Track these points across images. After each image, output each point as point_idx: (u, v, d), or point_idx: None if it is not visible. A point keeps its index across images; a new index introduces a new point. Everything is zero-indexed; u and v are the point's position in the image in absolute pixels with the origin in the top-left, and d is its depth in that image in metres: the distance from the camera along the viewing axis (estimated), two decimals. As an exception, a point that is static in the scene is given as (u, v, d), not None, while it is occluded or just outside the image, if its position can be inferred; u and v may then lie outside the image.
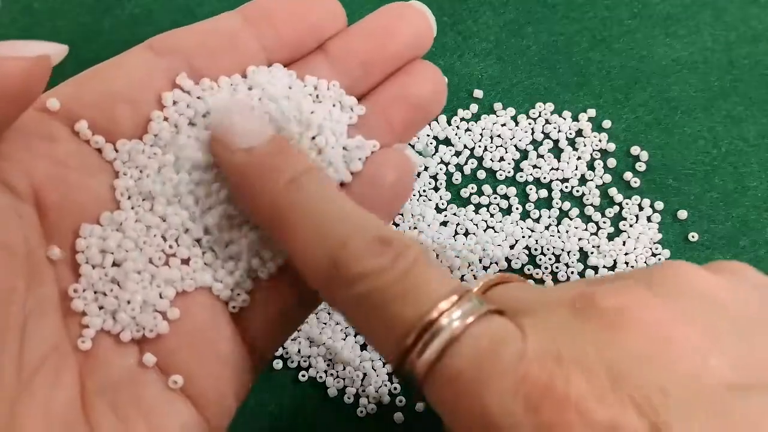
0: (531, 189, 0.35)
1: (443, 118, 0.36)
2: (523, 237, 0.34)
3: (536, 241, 0.34)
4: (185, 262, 0.23)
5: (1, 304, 0.20)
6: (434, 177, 0.35)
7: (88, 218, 0.23)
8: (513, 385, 0.18)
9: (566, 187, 0.35)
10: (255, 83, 0.24)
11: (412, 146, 0.35)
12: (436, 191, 0.35)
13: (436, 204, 0.34)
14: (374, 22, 0.25)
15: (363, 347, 0.32)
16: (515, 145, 0.35)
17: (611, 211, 0.34)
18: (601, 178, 0.35)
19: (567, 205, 0.35)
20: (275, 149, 0.22)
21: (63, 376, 0.21)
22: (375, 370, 0.32)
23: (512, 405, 0.18)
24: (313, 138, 0.24)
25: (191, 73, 0.24)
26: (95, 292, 0.22)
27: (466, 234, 0.34)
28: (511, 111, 0.36)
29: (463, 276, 0.33)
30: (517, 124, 0.36)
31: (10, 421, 0.19)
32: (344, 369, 0.32)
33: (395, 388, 0.32)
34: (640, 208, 0.35)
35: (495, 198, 0.35)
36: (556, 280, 0.33)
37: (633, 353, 0.18)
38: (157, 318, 0.22)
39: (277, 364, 0.32)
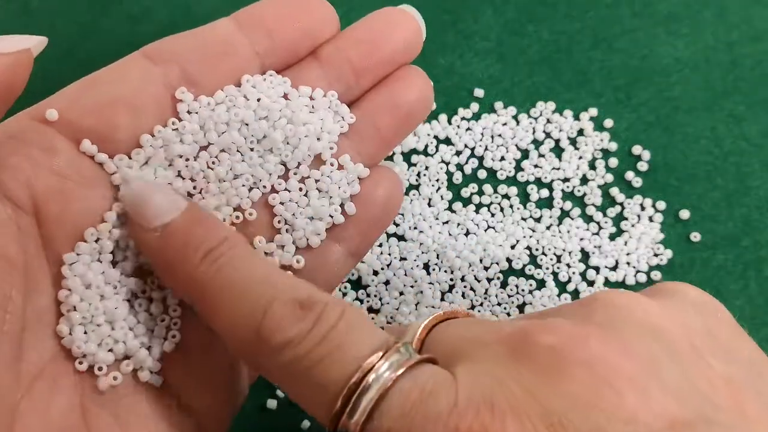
0: (532, 189, 0.34)
1: (444, 117, 0.35)
2: (524, 237, 0.34)
3: (537, 241, 0.34)
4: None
5: None
6: (435, 177, 0.35)
7: (85, 229, 0.23)
8: None
9: (567, 186, 0.35)
10: (249, 93, 0.24)
11: (414, 150, 0.35)
12: (437, 191, 0.34)
13: (437, 204, 0.34)
14: (366, 28, 0.25)
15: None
16: (516, 145, 0.35)
17: (613, 211, 0.34)
18: (602, 177, 0.35)
19: (568, 204, 0.34)
20: (189, 222, 0.22)
21: (62, 383, 0.21)
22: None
23: None
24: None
25: (186, 80, 0.24)
26: (83, 318, 0.22)
27: (467, 234, 0.34)
28: (512, 110, 0.36)
29: (463, 276, 0.33)
30: (518, 123, 0.36)
31: (10, 427, 0.19)
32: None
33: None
34: (642, 208, 0.34)
35: (496, 198, 0.34)
36: (557, 281, 0.33)
37: (570, 397, 0.17)
38: (147, 354, 0.22)
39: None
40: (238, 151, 0.24)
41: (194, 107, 0.24)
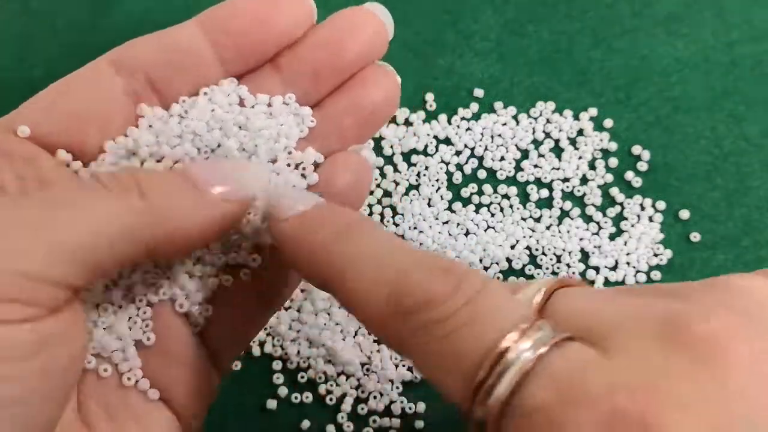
0: (532, 189, 0.34)
1: (444, 117, 0.35)
2: (524, 237, 0.34)
3: (537, 241, 0.34)
4: (149, 275, 0.24)
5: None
6: (435, 177, 0.35)
7: None
8: (604, 418, 0.16)
9: (567, 186, 0.35)
10: (203, 105, 0.24)
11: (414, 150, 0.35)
12: (437, 191, 0.34)
13: (437, 204, 0.34)
14: (325, 34, 0.25)
15: (362, 348, 0.32)
16: (516, 145, 0.35)
17: (612, 211, 0.34)
18: (602, 177, 0.35)
19: (568, 204, 0.34)
20: (321, 209, 0.22)
21: None
22: (375, 372, 0.32)
23: None
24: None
25: (152, 87, 0.24)
26: None
27: (467, 234, 0.34)
28: (512, 110, 0.36)
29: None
30: (517, 123, 0.36)
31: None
32: (343, 370, 0.32)
33: (397, 388, 0.32)
34: (642, 208, 0.34)
35: (496, 198, 0.34)
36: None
37: (735, 393, 0.17)
38: (128, 350, 0.23)
39: (277, 365, 0.32)
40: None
41: (152, 120, 0.24)
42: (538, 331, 0.18)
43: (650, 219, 0.34)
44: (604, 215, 0.34)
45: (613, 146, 0.35)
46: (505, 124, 0.35)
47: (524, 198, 0.34)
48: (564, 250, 0.34)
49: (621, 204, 0.34)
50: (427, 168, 0.35)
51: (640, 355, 0.18)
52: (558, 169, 0.35)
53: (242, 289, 0.24)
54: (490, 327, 0.18)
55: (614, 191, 0.34)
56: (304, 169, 0.25)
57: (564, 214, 0.34)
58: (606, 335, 0.18)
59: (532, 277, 0.33)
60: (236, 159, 0.24)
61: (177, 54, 0.24)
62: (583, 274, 0.33)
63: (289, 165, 0.24)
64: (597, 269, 0.33)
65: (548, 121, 0.36)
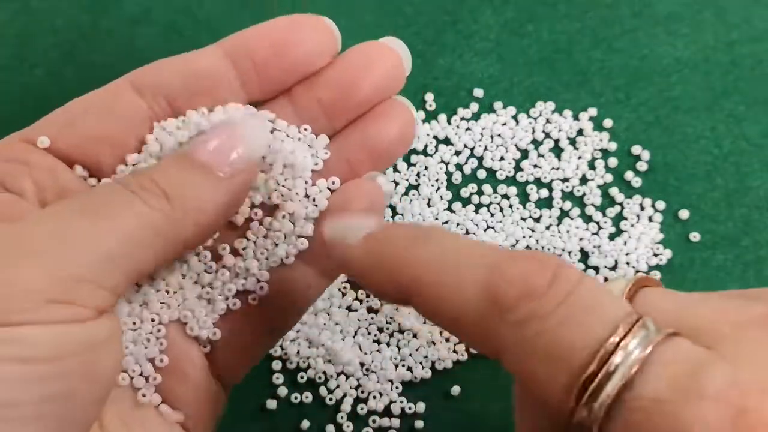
0: (531, 189, 0.35)
1: (443, 117, 0.35)
2: (524, 237, 0.34)
3: (537, 241, 0.34)
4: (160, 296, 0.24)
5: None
6: (434, 177, 0.35)
7: None
8: (730, 415, 0.16)
9: (567, 186, 0.35)
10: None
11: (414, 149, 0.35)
12: (437, 191, 0.34)
13: (436, 204, 0.34)
14: (340, 69, 0.25)
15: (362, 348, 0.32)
16: (516, 145, 0.35)
17: (612, 211, 0.34)
18: (602, 177, 0.35)
19: (568, 204, 0.34)
20: (387, 228, 0.21)
21: None
22: (375, 372, 0.32)
23: None
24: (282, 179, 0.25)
25: (173, 112, 0.24)
26: None
27: (467, 234, 0.34)
28: (512, 110, 0.36)
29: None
30: (517, 123, 0.36)
31: None
32: (342, 371, 0.32)
33: (396, 388, 0.32)
34: (642, 208, 0.34)
35: (495, 198, 0.34)
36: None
37: None
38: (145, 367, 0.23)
39: (276, 365, 0.32)
40: None
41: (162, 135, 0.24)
42: (643, 328, 0.17)
43: (650, 219, 0.34)
44: (604, 215, 0.34)
45: (613, 146, 0.35)
46: (504, 124, 0.35)
47: (524, 198, 0.34)
48: (564, 250, 0.34)
49: (621, 204, 0.34)
50: (426, 168, 0.35)
51: (759, 355, 0.17)
52: (558, 169, 0.35)
53: (250, 314, 0.24)
54: (597, 322, 0.17)
55: (614, 191, 0.34)
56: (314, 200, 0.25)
57: (564, 214, 0.34)
58: (712, 335, 0.18)
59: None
60: (233, 122, 0.23)
61: (200, 80, 0.24)
62: (582, 274, 0.33)
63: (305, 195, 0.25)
64: (596, 269, 0.33)
65: (548, 121, 0.36)
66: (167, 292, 0.24)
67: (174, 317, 0.24)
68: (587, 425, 0.17)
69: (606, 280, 0.33)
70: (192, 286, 0.24)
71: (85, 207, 0.21)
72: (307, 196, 0.25)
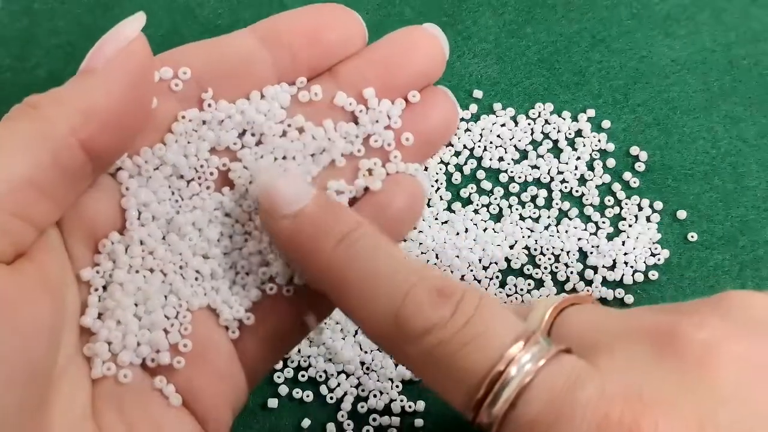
0: (531, 189, 0.35)
1: (443, 118, 0.36)
2: (523, 237, 0.34)
3: (536, 241, 0.34)
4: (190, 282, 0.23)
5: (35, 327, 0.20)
6: (434, 177, 0.35)
7: (100, 235, 0.23)
8: (595, 426, 0.17)
9: (566, 187, 0.35)
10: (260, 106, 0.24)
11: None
12: (436, 191, 0.35)
13: (436, 204, 0.34)
14: (386, 49, 0.24)
15: (362, 347, 0.32)
16: (515, 146, 0.35)
17: (610, 211, 0.34)
18: (600, 178, 0.35)
19: (566, 205, 0.35)
20: (320, 209, 0.22)
21: (80, 381, 0.22)
22: (375, 371, 0.32)
23: None
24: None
25: (199, 95, 0.24)
26: (101, 315, 0.23)
27: (466, 234, 0.34)
28: (511, 111, 0.36)
29: (463, 276, 0.33)
30: (516, 124, 0.36)
31: (39, 416, 0.20)
32: (343, 369, 0.32)
33: (396, 386, 0.32)
34: (640, 208, 0.35)
35: (494, 198, 0.35)
36: (555, 280, 0.33)
37: (723, 395, 0.17)
38: (162, 351, 0.23)
39: (278, 364, 0.32)
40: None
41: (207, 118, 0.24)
42: (535, 345, 0.19)
43: (648, 219, 0.34)
44: (602, 215, 0.34)
45: (611, 147, 0.35)
46: (503, 125, 0.36)
47: (523, 198, 0.35)
48: (562, 250, 0.34)
49: (619, 204, 0.35)
50: (426, 168, 0.35)
51: (631, 364, 0.18)
52: (556, 169, 0.35)
53: (284, 303, 0.24)
54: (489, 345, 0.19)
55: (612, 191, 0.35)
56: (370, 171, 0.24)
57: (562, 214, 0.35)
58: (601, 348, 0.19)
59: (530, 276, 0.33)
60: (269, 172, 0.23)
61: (233, 64, 0.24)
62: (581, 274, 0.33)
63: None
64: (595, 269, 0.34)
65: (547, 122, 0.36)
66: (196, 279, 0.23)
67: (204, 304, 0.23)
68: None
69: (605, 280, 0.33)
70: (223, 272, 0.23)
71: None
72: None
